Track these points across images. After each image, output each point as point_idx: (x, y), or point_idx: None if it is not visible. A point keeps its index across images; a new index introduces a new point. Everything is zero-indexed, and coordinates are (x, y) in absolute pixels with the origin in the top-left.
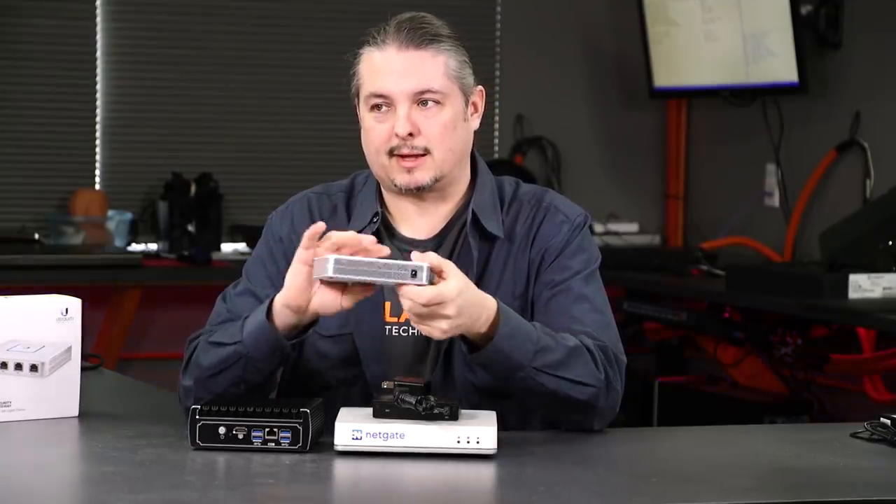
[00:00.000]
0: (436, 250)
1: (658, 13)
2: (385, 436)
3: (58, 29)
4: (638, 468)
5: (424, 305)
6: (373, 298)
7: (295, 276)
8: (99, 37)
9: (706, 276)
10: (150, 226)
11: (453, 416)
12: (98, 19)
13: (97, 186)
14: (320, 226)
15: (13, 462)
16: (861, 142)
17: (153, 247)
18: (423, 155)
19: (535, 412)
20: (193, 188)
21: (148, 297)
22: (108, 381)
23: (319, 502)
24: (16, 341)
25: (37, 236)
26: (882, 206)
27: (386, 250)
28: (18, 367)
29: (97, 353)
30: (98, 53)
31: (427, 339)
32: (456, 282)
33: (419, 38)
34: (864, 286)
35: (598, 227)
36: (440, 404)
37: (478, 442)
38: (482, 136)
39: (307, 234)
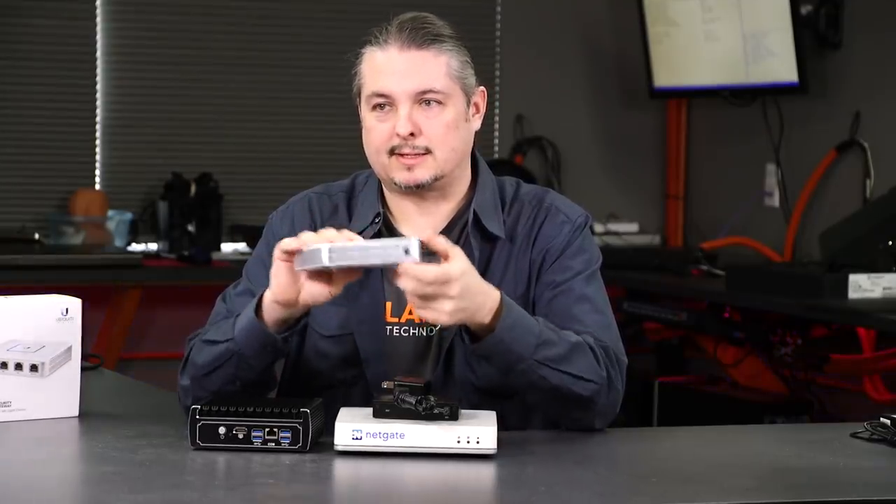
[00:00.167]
0: None
1: (658, 13)
2: (385, 436)
3: (58, 29)
4: (638, 468)
5: (429, 284)
6: (373, 298)
7: (278, 272)
8: (99, 37)
9: (706, 276)
10: (150, 226)
11: (453, 416)
12: (98, 19)
13: (97, 186)
14: (290, 243)
15: (13, 462)
16: (861, 142)
17: (153, 247)
18: (424, 154)
19: (536, 412)
20: (193, 188)
21: (148, 297)
22: (108, 381)
23: (319, 502)
24: (16, 341)
25: (37, 236)
26: (882, 206)
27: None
28: (18, 367)
29: (97, 353)
30: (98, 53)
31: (428, 340)
32: (461, 263)
33: (421, 38)
34: (864, 286)
35: (599, 227)
36: (440, 404)
37: (478, 442)
38: (482, 136)
39: (282, 246)
